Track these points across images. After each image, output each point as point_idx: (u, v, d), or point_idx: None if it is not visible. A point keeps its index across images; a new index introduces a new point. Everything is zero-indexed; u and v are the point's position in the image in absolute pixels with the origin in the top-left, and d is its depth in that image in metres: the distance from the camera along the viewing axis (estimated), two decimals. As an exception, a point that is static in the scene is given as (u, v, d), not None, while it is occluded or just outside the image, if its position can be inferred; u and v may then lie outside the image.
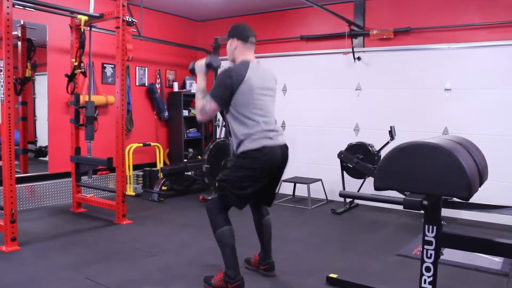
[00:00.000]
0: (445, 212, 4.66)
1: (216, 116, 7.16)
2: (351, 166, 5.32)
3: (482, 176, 2.36)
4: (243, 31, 3.07)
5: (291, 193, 6.31)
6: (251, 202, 3.23)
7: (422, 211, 2.24)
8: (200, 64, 3.08)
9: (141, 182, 6.58)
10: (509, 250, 2.22)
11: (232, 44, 3.07)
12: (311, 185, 5.85)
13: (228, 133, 5.68)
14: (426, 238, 2.36)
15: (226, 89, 2.89)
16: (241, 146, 2.95)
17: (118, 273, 3.37)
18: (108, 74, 6.25)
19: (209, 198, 5.71)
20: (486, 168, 2.51)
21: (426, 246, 2.36)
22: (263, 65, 3.12)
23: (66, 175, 5.55)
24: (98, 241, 4.17)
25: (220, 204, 3.00)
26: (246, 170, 2.91)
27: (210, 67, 3.04)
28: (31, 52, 5.36)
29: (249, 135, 2.91)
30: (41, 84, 5.61)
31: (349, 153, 5.37)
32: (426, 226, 2.36)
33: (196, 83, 3.10)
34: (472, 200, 2.26)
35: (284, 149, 3.06)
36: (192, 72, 3.18)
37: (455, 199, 2.29)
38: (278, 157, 2.99)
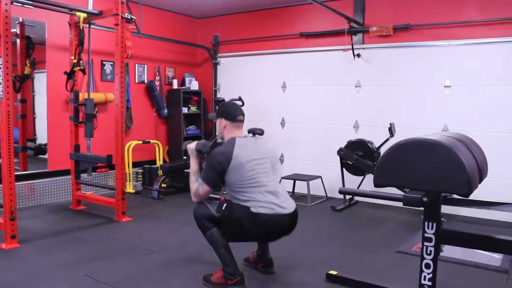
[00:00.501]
0: (445, 208, 4.66)
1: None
2: (351, 163, 5.32)
3: (481, 172, 2.36)
4: (231, 111, 3.17)
5: (291, 190, 6.31)
6: None
7: (421, 208, 2.25)
8: (191, 149, 3.18)
9: (141, 179, 6.58)
10: (509, 246, 2.23)
11: (221, 124, 3.18)
12: (310, 182, 5.84)
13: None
14: (426, 234, 2.36)
15: (216, 172, 2.98)
16: (251, 209, 2.92)
17: (118, 271, 3.37)
18: (107, 71, 6.24)
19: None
20: (485, 165, 2.51)
21: (425, 243, 2.37)
22: (251, 138, 3.20)
23: (65, 172, 5.55)
24: (98, 239, 4.17)
25: (212, 222, 3.02)
26: (253, 228, 2.93)
27: (201, 153, 3.17)
28: (30, 49, 5.34)
29: (255, 204, 2.92)
30: (40, 81, 5.60)
31: (349, 150, 5.37)
32: (426, 223, 2.36)
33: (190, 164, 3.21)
34: (471, 197, 2.26)
35: (293, 217, 3.06)
36: (184, 152, 3.29)
37: (455, 196, 2.29)
38: (286, 225, 3.02)
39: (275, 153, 6.67)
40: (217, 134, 3.27)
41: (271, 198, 2.96)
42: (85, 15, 4.77)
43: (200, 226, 3.07)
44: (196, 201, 3.11)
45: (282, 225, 2.99)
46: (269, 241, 3.27)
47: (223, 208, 2.99)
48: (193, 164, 3.16)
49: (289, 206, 3.04)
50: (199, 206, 3.10)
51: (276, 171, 6.49)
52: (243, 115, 3.20)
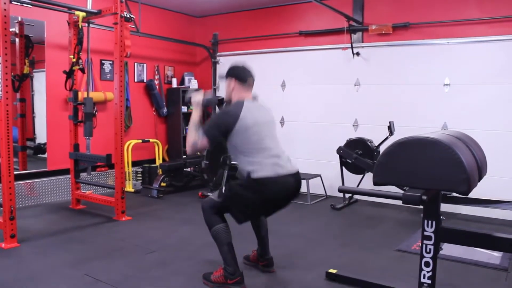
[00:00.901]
0: (444, 207, 4.66)
1: (215, 112, 7.17)
2: (350, 161, 5.32)
3: (481, 171, 2.36)
4: (241, 72, 3.12)
5: (290, 189, 6.30)
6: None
7: (421, 206, 2.25)
8: (197, 100, 3.13)
9: (140, 178, 6.58)
10: (508, 244, 2.23)
11: (230, 85, 3.12)
12: (310, 180, 5.84)
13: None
14: (425, 233, 2.36)
15: (219, 130, 2.94)
16: (252, 174, 2.88)
17: (117, 270, 3.37)
18: (107, 70, 6.24)
19: (208, 194, 5.72)
20: (485, 163, 2.51)
21: (425, 241, 2.37)
22: (258, 103, 3.15)
23: (65, 171, 5.54)
24: (97, 238, 4.17)
25: (218, 209, 3.00)
26: (256, 196, 2.88)
27: (208, 104, 3.12)
28: (29, 48, 5.33)
29: (257, 166, 2.88)
30: (40, 81, 5.60)
31: (348, 148, 5.37)
32: (425, 221, 2.36)
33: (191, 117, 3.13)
34: (471, 195, 2.26)
35: (297, 178, 3.03)
36: (187, 102, 3.24)
37: (454, 194, 2.29)
38: (291, 186, 2.98)
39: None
40: (224, 96, 3.18)
41: (274, 161, 2.92)
42: (84, 14, 4.76)
43: (207, 220, 3.01)
44: (191, 152, 3.05)
45: (287, 186, 2.94)
46: (277, 209, 3.11)
47: (223, 191, 2.93)
48: (196, 116, 3.08)
49: (292, 167, 3.01)
50: (205, 200, 3.08)
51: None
52: (253, 78, 3.15)
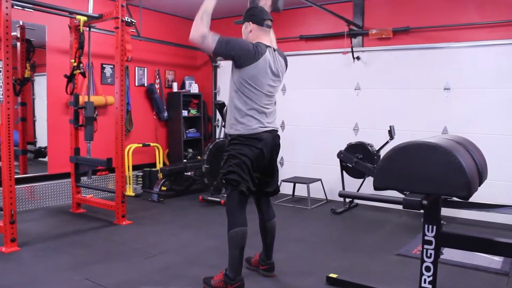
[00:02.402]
0: (445, 211, 4.66)
1: (215, 116, 7.18)
2: (351, 165, 5.32)
3: (481, 175, 2.36)
4: (259, 14, 3.01)
5: (291, 193, 6.30)
6: (257, 200, 3.25)
7: (421, 211, 2.24)
8: None
9: (141, 182, 6.58)
10: (509, 249, 2.22)
11: (248, 27, 3.03)
12: (310, 185, 5.84)
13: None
14: (426, 237, 2.36)
15: (234, 49, 2.80)
16: (234, 129, 2.95)
17: (117, 274, 3.36)
18: (107, 74, 6.25)
19: (208, 199, 5.72)
20: (485, 168, 2.51)
21: (425, 246, 2.36)
22: (277, 51, 3.09)
23: (65, 175, 5.55)
24: (98, 242, 4.16)
25: (236, 199, 2.97)
26: (243, 156, 2.91)
27: None
28: (30, 52, 5.35)
29: (245, 117, 2.91)
30: (41, 84, 5.61)
31: (349, 152, 5.37)
32: (426, 226, 2.36)
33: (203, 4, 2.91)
34: (471, 199, 2.26)
35: (274, 134, 3.08)
36: None
37: (455, 199, 2.29)
38: (269, 142, 3.00)
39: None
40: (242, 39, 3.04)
41: (260, 117, 2.94)
42: (85, 18, 4.78)
43: (229, 219, 2.98)
44: (193, 38, 2.84)
45: (265, 141, 2.96)
46: (267, 169, 3.12)
47: (223, 166, 2.99)
48: (210, 2, 2.89)
49: (272, 124, 3.06)
50: (228, 199, 3.04)
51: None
52: (271, 20, 3.03)
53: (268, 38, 3.05)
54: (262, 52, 2.87)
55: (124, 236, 4.36)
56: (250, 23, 3.01)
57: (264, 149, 2.96)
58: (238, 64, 2.88)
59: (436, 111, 5.39)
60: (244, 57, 2.84)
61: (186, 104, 7.22)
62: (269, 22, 3.03)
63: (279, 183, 5.96)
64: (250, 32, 3.01)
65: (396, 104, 5.67)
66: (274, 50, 3.05)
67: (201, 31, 2.77)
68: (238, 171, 2.92)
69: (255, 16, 3.00)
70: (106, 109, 6.12)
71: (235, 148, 2.95)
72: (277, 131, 3.13)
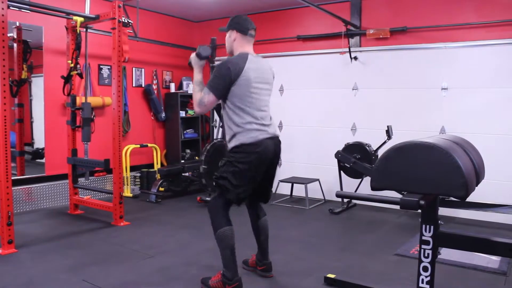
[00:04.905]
0: (442, 211, 4.67)
1: (213, 116, 7.18)
2: (349, 166, 5.32)
3: (478, 175, 2.36)
4: (243, 23, 3.05)
5: (289, 193, 6.31)
6: (248, 201, 3.24)
7: (419, 211, 2.24)
8: (193, 56, 3.07)
9: (139, 183, 6.58)
10: (507, 249, 2.22)
11: (231, 36, 3.06)
12: (308, 185, 5.85)
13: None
14: (423, 237, 2.36)
15: (224, 81, 2.87)
16: (234, 140, 2.96)
17: (115, 275, 3.36)
18: (105, 75, 6.24)
19: (209, 198, 5.71)
20: (482, 167, 2.51)
21: (423, 246, 2.36)
22: (261, 59, 3.10)
23: (63, 177, 5.54)
24: (95, 243, 4.15)
25: (221, 202, 2.99)
26: (241, 165, 2.91)
27: (202, 58, 3.02)
28: (27, 53, 5.34)
29: (243, 128, 2.91)
30: (38, 86, 5.60)
31: (347, 152, 5.37)
32: (423, 226, 2.35)
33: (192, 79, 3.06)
34: (469, 199, 2.26)
35: (276, 141, 3.08)
36: (190, 66, 3.15)
37: (452, 199, 2.29)
38: (270, 149, 3.00)
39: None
40: (226, 47, 3.13)
41: (259, 126, 2.94)
42: (82, 19, 4.77)
43: (212, 221, 2.99)
44: (200, 112, 2.99)
45: (267, 149, 2.96)
46: (264, 178, 3.13)
47: (214, 184, 2.99)
48: (197, 73, 3.01)
49: (273, 131, 3.06)
50: (212, 201, 3.06)
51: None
52: (255, 29, 3.07)
53: (251, 47, 3.08)
54: (241, 67, 2.87)
55: (122, 237, 4.36)
56: (235, 31, 3.05)
57: (263, 154, 2.95)
58: (232, 83, 2.90)
59: (434, 111, 5.40)
60: (229, 83, 2.88)
61: (184, 105, 7.22)
62: (252, 32, 3.07)
63: (276, 184, 5.97)
64: (234, 41, 3.05)
65: (394, 104, 5.68)
66: (257, 56, 3.08)
67: (197, 99, 2.94)
68: (230, 178, 2.92)
69: (239, 24, 3.05)
70: (103, 110, 6.11)
71: (234, 156, 2.95)
72: (278, 136, 3.13)
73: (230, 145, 3.01)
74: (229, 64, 2.88)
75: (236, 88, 2.88)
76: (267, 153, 2.98)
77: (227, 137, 3.06)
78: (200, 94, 2.92)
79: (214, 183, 3.04)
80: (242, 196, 2.99)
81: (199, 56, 3.02)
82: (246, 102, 2.91)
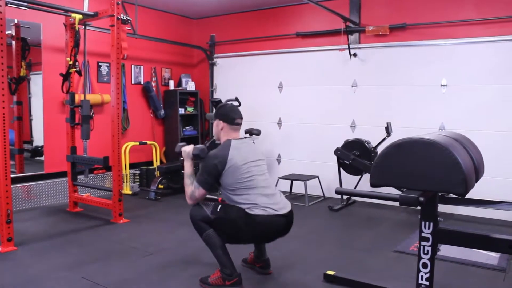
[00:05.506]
0: (442, 208, 4.67)
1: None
2: (348, 162, 5.33)
3: (478, 171, 2.36)
4: (230, 114, 3.16)
5: (288, 190, 6.31)
6: None
7: (418, 207, 2.25)
8: (187, 152, 3.15)
9: (138, 180, 6.57)
10: (506, 245, 2.22)
11: (219, 125, 3.18)
12: (308, 182, 5.85)
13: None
14: (423, 234, 2.36)
15: (212, 176, 2.99)
16: (247, 210, 2.93)
17: (115, 273, 3.36)
18: (104, 72, 6.23)
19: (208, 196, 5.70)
20: (482, 164, 2.51)
21: (423, 242, 2.37)
22: (245, 140, 3.17)
23: (62, 174, 5.53)
24: (95, 241, 4.15)
25: (207, 224, 3.02)
26: (247, 229, 2.92)
27: (198, 158, 3.12)
28: (26, 51, 5.33)
29: (251, 205, 2.92)
30: (36, 83, 5.59)
31: (346, 149, 5.37)
32: (423, 222, 2.36)
33: (184, 168, 3.18)
34: (468, 196, 2.26)
35: (289, 217, 3.06)
36: (178, 153, 3.23)
37: (452, 195, 2.29)
38: (282, 225, 3.01)
39: (272, 153, 6.67)
40: (214, 135, 3.28)
41: (266, 200, 2.96)
42: (80, 16, 4.75)
43: (196, 227, 3.07)
44: (192, 203, 3.11)
45: (277, 226, 2.99)
46: (264, 243, 3.28)
47: (218, 210, 2.99)
48: (188, 167, 3.14)
49: (284, 207, 3.04)
50: (194, 208, 3.10)
51: (273, 171, 6.49)
52: (241, 118, 3.20)
53: (238, 134, 3.19)
54: (225, 157, 2.95)
55: (121, 234, 4.36)
56: (221, 121, 3.15)
57: (273, 230, 3.00)
58: (220, 174, 2.98)
59: (433, 108, 5.40)
60: (217, 170, 2.96)
61: (183, 102, 7.20)
62: (239, 121, 3.17)
63: (276, 181, 5.96)
64: (221, 130, 3.16)
65: (393, 101, 5.67)
66: (243, 138, 3.17)
67: (189, 193, 3.07)
68: (228, 233, 2.99)
69: (226, 116, 3.15)
70: (102, 108, 6.10)
71: (243, 221, 2.92)
72: (291, 212, 3.09)
73: (237, 206, 2.98)
74: (213, 159, 2.98)
75: (227, 177, 2.96)
76: (277, 228, 3.00)
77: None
78: (191, 188, 3.05)
79: (216, 206, 3.04)
80: (230, 243, 3.06)
81: (197, 157, 3.11)
82: (242, 186, 2.95)
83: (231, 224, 2.94)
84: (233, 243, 3.07)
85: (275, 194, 3.08)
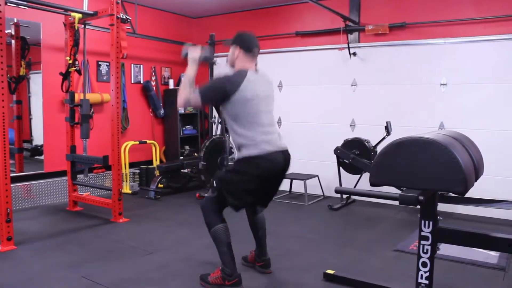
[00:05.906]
0: (441, 207, 4.66)
1: (211, 113, 7.17)
2: (348, 161, 5.32)
3: (477, 170, 2.36)
4: (247, 40, 3.05)
5: (288, 190, 6.31)
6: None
7: (418, 206, 2.25)
8: (194, 56, 3.03)
9: (138, 180, 6.57)
10: (505, 244, 2.23)
11: (234, 52, 3.04)
12: (307, 181, 5.85)
13: (225, 129, 5.66)
14: (423, 233, 2.36)
15: (216, 94, 2.91)
16: (242, 151, 2.92)
17: (114, 272, 3.36)
18: (103, 72, 6.23)
19: (205, 195, 5.71)
20: (481, 163, 2.51)
21: (422, 241, 2.37)
22: (261, 74, 3.07)
23: (62, 173, 5.53)
24: (95, 240, 4.15)
25: (216, 204, 2.98)
26: (246, 176, 2.88)
27: (205, 60, 3.01)
28: (25, 50, 5.33)
29: (248, 141, 2.88)
30: (36, 82, 5.59)
31: (346, 148, 5.37)
32: (422, 222, 2.36)
33: (185, 72, 3.02)
34: (468, 195, 2.26)
35: (286, 154, 3.04)
36: (184, 58, 3.09)
37: (451, 194, 2.29)
38: (280, 162, 2.97)
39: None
40: (227, 61, 3.12)
41: (265, 138, 2.91)
42: (80, 15, 4.75)
43: (206, 219, 2.98)
44: (181, 106, 3.03)
45: (275, 162, 2.93)
46: (268, 190, 3.12)
47: (214, 185, 2.97)
48: (191, 70, 2.97)
49: (281, 144, 3.03)
50: (204, 200, 3.06)
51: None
52: (259, 48, 3.07)
53: (253, 64, 3.05)
54: (238, 83, 2.85)
55: (121, 234, 4.36)
56: (238, 48, 3.03)
57: (271, 167, 2.93)
58: (225, 99, 2.87)
59: (433, 107, 5.40)
60: (224, 92, 2.85)
61: (183, 101, 7.19)
62: (256, 50, 3.05)
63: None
64: (237, 58, 3.03)
65: (393, 100, 5.67)
66: (257, 71, 3.05)
67: (184, 97, 2.89)
68: (231, 188, 2.91)
69: (244, 42, 3.04)
70: (102, 107, 6.10)
71: (242, 166, 2.90)
72: (287, 150, 3.09)
73: (239, 156, 2.97)
74: (225, 81, 2.88)
75: (234, 106, 2.87)
76: (275, 166, 2.95)
77: (235, 146, 3.04)
78: (188, 92, 2.88)
79: (214, 185, 3.02)
80: (240, 205, 3.00)
81: (204, 59, 3.01)
82: (246, 119, 2.89)
83: (230, 184, 2.91)
84: (246, 203, 3.00)
85: (274, 133, 3.03)
